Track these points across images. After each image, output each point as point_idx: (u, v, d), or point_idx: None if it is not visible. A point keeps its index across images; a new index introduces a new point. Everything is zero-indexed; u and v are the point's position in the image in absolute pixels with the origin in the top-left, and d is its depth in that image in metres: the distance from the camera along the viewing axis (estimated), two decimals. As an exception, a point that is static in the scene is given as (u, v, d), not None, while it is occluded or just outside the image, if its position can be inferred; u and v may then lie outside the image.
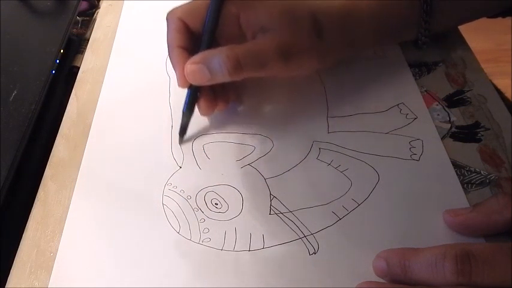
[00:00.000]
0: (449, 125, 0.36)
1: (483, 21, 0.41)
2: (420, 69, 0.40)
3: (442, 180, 0.33)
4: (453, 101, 0.38)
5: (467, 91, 0.38)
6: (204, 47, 0.34)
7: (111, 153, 0.37)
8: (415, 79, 0.39)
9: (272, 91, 0.40)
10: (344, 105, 0.38)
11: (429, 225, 0.30)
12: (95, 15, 0.50)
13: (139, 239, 0.32)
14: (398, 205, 0.32)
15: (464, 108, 0.37)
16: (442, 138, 0.35)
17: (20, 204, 0.35)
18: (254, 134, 0.37)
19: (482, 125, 0.36)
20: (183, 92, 0.36)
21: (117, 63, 0.44)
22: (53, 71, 0.42)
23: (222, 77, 0.33)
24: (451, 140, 0.35)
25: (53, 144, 0.38)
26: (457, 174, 0.33)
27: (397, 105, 0.38)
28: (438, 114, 0.37)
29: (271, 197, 0.33)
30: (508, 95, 0.49)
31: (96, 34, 0.48)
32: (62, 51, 0.44)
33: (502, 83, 0.49)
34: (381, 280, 0.28)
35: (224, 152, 0.36)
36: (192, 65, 0.33)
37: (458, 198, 0.32)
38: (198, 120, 0.38)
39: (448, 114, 0.37)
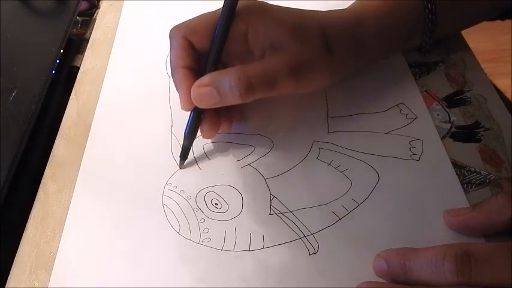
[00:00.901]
0: (449, 125, 0.36)
1: (483, 22, 0.41)
2: (420, 69, 0.40)
3: (442, 180, 0.33)
4: (453, 101, 0.38)
5: (467, 91, 0.38)
6: (210, 65, 0.33)
7: (111, 153, 0.37)
8: (415, 79, 0.39)
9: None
10: (344, 105, 0.38)
11: (429, 225, 0.30)
12: (95, 15, 0.50)
13: (139, 239, 0.32)
14: (398, 205, 0.32)
15: (464, 108, 0.37)
16: (442, 138, 0.35)
17: (20, 204, 0.35)
18: (254, 134, 0.37)
19: (482, 125, 0.36)
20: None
21: (117, 63, 0.44)
22: (53, 71, 0.42)
23: (233, 99, 0.31)
24: (451, 140, 0.35)
25: (53, 144, 0.38)
26: (457, 174, 0.33)
27: (397, 105, 0.38)
28: (438, 114, 0.37)
29: (271, 197, 0.33)
30: (508, 95, 0.49)
31: (96, 34, 0.48)
32: (62, 51, 0.44)
33: (502, 83, 0.49)
34: (381, 280, 0.28)
35: (224, 152, 0.36)
36: (200, 88, 0.32)
37: (458, 198, 0.32)
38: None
39: (448, 114, 0.37)
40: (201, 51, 0.34)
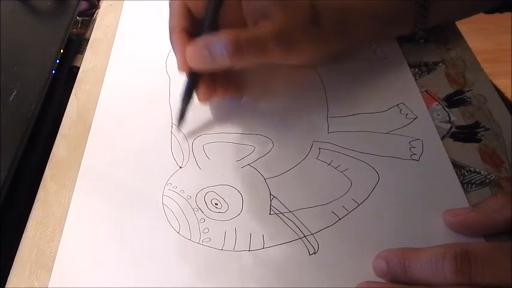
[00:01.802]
0: (449, 125, 0.36)
1: (483, 21, 0.42)
2: (420, 69, 0.40)
3: (442, 180, 0.33)
4: (453, 101, 0.38)
5: (467, 91, 0.38)
6: (206, 31, 0.34)
7: (111, 153, 0.37)
8: (415, 79, 0.39)
9: (272, 91, 0.40)
10: (344, 105, 0.38)
11: (429, 225, 0.30)
12: (95, 15, 0.50)
13: (139, 239, 0.32)
14: (398, 205, 0.32)
15: (464, 108, 0.37)
16: (442, 138, 0.35)
17: (20, 204, 0.35)
18: (254, 134, 0.37)
19: (482, 125, 0.36)
20: (183, 92, 0.36)
21: (117, 63, 0.44)
22: (53, 71, 0.42)
23: (223, 60, 0.33)
24: (451, 140, 0.35)
25: (53, 144, 0.38)
26: (457, 174, 0.33)
27: (397, 105, 0.38)
28: (438, 114, 0.37)
29: (271, 197, 0.33)
30: (508, 95, 0.49)
31: (96, 34, 0.48)
32: (62, 51, 0.44)
33: (502, 83, 0.49)
34: (381, 280, 0.28)
35: (224, 152, 0.36)
36: (192, 47, 0.33)
37: (458, 198, 0.32)
38: (198, 120, 0.38)
39: (448, 114, 0.37)
40: (198, 18, 0.36)
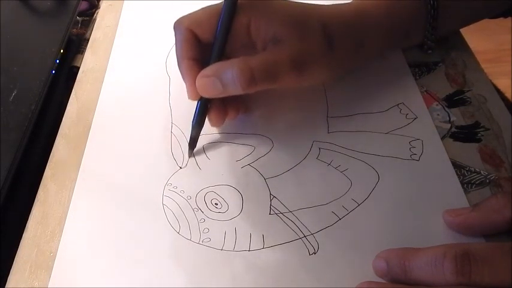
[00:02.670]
0: (449, 125, 0.36)
1: (483, 21, 0.42)
2: (420, 69, 0.40)
3: (442, 180, 0.33)
4: (453, 101, 0.38)
5: (467, 91, 0.38)
6: (214, 57, 0.33)
7: (111, 153, 0.37)
8: (415, 79, 0.39)
9: (272, 91, 0.40)
10: (344, 105, 0.38)
11: (429, 225, 0.30)
12: (95, 15, 0.50)
13: (139, 239, 0.32)
14: (398, 205, 0.32)
15: (464, 108, 0.37)
16: (442, 138, 0.35)
17: (20, 204, 0.35)
18: (254, 134, 0.37)
19: (482, 125, 0.36)
20: (183, 92, 0.36)
21: (117, 63, 0.44)
22: (53, 71, 0.42)
23: (235, 90, 0.32)
24: (451, 140, 0.35)
25: (53, 144, 0.38)
26: (457, 174, 0.33)
27: (397, 105, 0.38)
28: (438, 114, 0.37)
29: (271, 197, 0.33)
30: (508, 95, 0.49)
31: (96, 34, 0.48)
32: (62, 51, 0.44)
33: (502, 83, 0.49)
34: (381, 280, 0.28)
35: (224, 152, 0.36)
36: (203, 79, 0.32)
37: (458, 198, 0.32)
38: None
39: (448, 114, 0.37)
40: (205, 43, 0.34)
